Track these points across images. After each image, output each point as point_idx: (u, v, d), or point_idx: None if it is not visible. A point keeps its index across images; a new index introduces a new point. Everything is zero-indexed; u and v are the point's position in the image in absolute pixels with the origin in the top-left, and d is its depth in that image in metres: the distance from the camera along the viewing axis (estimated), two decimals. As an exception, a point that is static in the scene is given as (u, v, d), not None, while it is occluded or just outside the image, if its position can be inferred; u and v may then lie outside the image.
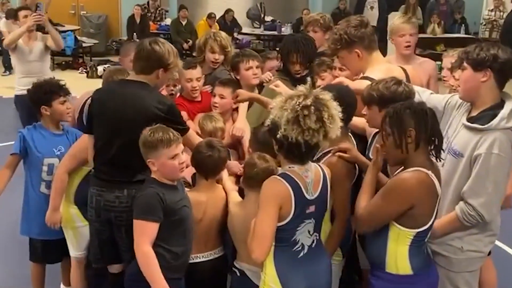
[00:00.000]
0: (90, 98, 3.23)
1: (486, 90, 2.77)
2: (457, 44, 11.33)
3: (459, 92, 2.92)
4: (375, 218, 2.64)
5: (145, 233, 2.79)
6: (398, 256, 2.65)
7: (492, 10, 13.64)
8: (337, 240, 3.00)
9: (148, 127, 2.85)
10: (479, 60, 2.73)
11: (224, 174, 3.21)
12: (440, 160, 2.70)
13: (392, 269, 2.67)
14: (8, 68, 12.18)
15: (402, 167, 2.67)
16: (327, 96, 2.59)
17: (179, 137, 2.88)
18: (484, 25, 13.84)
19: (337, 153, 2.92)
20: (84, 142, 3.33)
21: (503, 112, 2.71)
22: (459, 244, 2.87)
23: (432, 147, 2.63)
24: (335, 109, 2.57)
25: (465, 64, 2.80)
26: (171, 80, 3.74)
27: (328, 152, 2.96)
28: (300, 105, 2.51)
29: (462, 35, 13.43)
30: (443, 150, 2.68)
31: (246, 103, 3.84)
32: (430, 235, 2.75)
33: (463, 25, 13.79)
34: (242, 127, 3.70)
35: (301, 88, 2.62)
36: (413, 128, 2.58)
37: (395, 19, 4.66)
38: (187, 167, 3.03)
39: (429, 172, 2.58)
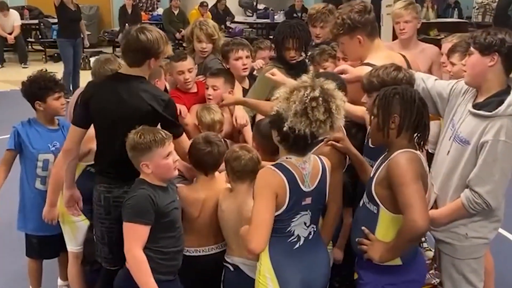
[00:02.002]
0: (82, 92, 3.16)
1: (493, 75, 2.73)
2: (450, 28, 11.32)
3: (465, 77, 2.86)
4: (423, 201, 2.50)
5: (136, 236, 2.72)
6: None
7: (485, -6, 13.62)
8: (331, 229, 2.97)
9: (133, 130, 2.77)
10: (486, 44, 2.69)
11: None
12: (423, 150, 2.65)
13: None
14: (0, 61, 12.12)
15: (386, 152, 2.64)
16: (332, 85, 2.53)
17: (169, 135, 2.82)
18: (477, 9, 13.81)
19: (330, 142, 2.87)
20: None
21: (510, 98, 2.68)
22: (463, 231, 2.84)
23: (417, 136, 2.60)
24: (341, 99, 2.53)
25: (472, 48, 2.76)
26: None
27: (319, 141, 2.89)
28: (309, 97, 2.45)
29: (455, 19, 13.39)
30: (425, 143, 2.64)
31: (240, 91, 3.79)
32: (435, 223, 2.72)
33: (456, 9, 13.76)
34: (242, 114, 3.64)
35: (305, 79, 2.57)
36: (398, 114, 2.56)
37: (395, 4, 4.63)
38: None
39: (417, 152, 2.57)
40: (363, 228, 2.64)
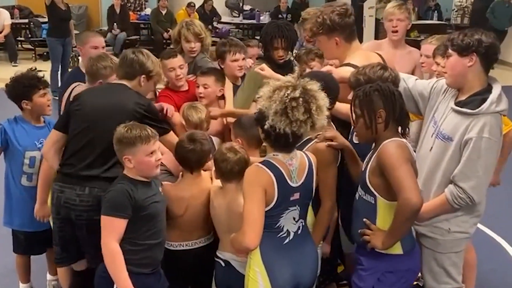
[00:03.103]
0: (71, 100, 3.16)
1: (473, 75, 2.75)
2: (431, 30, 11.36)
3: (446, 78, 2.89)
4: (414, 180, 2.53)
5: (113, 229, 2.70)
6: None
7: (464, -3, 13.72)
8: (325, 225, 2.97)
9: (123, 124, 2.77)
10: (464, 46, 2.72)
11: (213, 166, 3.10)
12: (406, 138, 2.68)
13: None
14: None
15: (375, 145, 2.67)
16: (315, 86, 2.54)
17: (156, 133, 2.81)
18: (456, 11, 13.91)
19: (326, 142, 2.86)
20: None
21: (492, 96, 2.70)
22: (446, 226, 2.87)
23: (401, 126, 2.63)
24: (323, 99, 2.53)
25: (450, 51, 2.79)
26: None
27: (310, 139, 2.90)
28: (289, 97, 2.46)
29: (435, 21, 13.47)
30: (407, 130, 2.67)
31: (231, 90, 3.78)
32: (419, 218, 2.72)
33: (436, 11, 13.84)
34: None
35: (289, 78, 2.57)
36: (383, 108, 2.59)
37: (388, 4, 4.65)
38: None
39: (404, 140, 2.61)
40: (364, 219, 2.66)
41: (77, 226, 2.99)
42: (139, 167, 2.76)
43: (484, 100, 2.69)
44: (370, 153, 2.70)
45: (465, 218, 2.86)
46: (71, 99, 3.28)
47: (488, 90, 2.74)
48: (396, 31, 4.33)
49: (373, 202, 2.63)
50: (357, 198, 2.75)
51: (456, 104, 2.79)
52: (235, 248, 2.65)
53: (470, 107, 2.72)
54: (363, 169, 2.73)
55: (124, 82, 3.08)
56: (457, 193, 2.74)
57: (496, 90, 2.73)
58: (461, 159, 2.73)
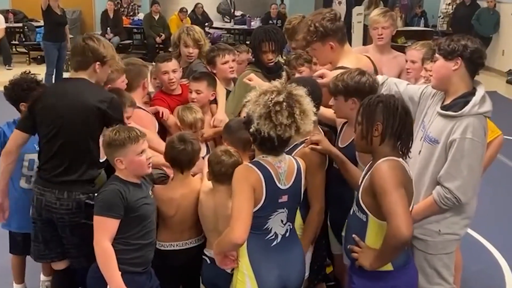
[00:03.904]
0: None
1: (457, 78, 2.78)
2: (417, 36, 11.43)
3: (432, 81, 2.92)
4: (408, 211, 2.45)
5: (105, 229, 2.71)
6: None
7: (449, 4, 13.83)
8: (314, 229, 2.97)
9: (110, 128, 2.78)
10: (449, 50, 2.75)
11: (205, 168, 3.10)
12: (406, 158, 2.62)
13: None
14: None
15: (371, 160, 2.60)
16: (300, 91, 2.54)
17: (144, 133, 2.84)
18: (442, 18, 14.00)
19: (310, 146, 2.87)
20: None
21: (475, 99, 2.73)
22: (436, 227, 2.87)
23: (400, 143, 2.55)
24: (308, 104, 2.53)
25: (436, 55, 2.83)
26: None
27: (298, 145, 2.91)
28: (272, 101, 2.47)
29: (421, 28, 13.55)
30: (408, 150, 2.60)
31: (224, 94, 3.79)
32: None
33: (422, 18, 13.92)
34: (222, 118, 3.64)
35: (276, 83, 2.58)
36: (381, 122, 2.52)
37: (373, 12, 4.68)
38: None
39: (400, 159, 2.52)
40: (353, 236, 2.61)
41: (60, 227, 3.00)
42: (131, 167, 2.78)
43: (467, 103, 2.72)
44: (366, 168, 2.63)
45: (454, 220, 2.87)
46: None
47: (472, 93, 2.77)
48: (382, 38, 4.37)
49: (364, 220, 2.57)
50: (351, 213, 2.70)
51: (442, 108, 2.82)
52: (223, 248, 2.60)
53: (454, 109, 2.74)
54: (359, 183, 2.64)
55: (80, 73, 3.02)
56: (443, 194, 2.75)
57: (479, 92, 2.76)
58: (447, 160, 2.74)
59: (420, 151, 2.86)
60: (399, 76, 4.24)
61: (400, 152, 2.56)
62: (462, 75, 2.77)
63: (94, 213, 2.74)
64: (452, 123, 2.73)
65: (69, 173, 2.95)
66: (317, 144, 2.88)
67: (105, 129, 2.78)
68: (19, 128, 3.10)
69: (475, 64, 2.77)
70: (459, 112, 2.72)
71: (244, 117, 2.69)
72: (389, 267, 2.55)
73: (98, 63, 3.01)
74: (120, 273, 2.72)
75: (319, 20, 3.36)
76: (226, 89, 3.89)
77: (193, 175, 3.12)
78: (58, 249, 3.11)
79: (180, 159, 3.00)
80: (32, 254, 3.27)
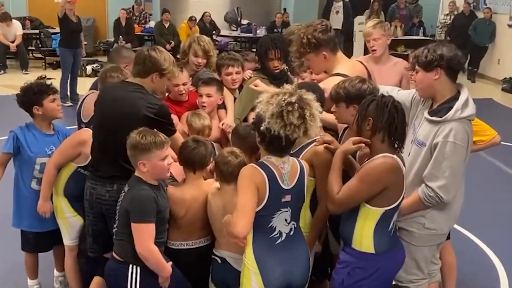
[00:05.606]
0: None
1: (440, 86, 2.87)
2: (416, 45, 11.35)
3: (417, 91, 3.02)
4: (352, 200, 2.66)
5: (149, 234, 2.76)
6: (363, 234, 2.69)
7: (447, 15, 13.80)
8: (321, 225, 3.00)
9: (135, 130, 2.79)
10: (427, 62, 2.83)
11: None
12: (401, 152, 2.75)
13: (356, 246, 2.71)
14: (3, 67, 11.95)
15: (369, 156, 2.71)
16: (310, 96, 2.61)
17: (168, 139, 2.85)
18: (440, 28, 13.99)
19: (325, 145, 2.91)
20: (71, 140, 3.35)
21: (457, 104, 2.81)
22: (422, 221, 2.96)
23: (394, 138, 2.65)
24: (317, 109, 2.59)
25: (417, 67, 2.90)
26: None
27: (305, 146, 2.93)
28: (285, 101, 2.52)
29: (420, 37, 13.55)
30: (403, 144, 2.72)
31: (232, 101, 3.79)
32: (398, 214, 2.78)
33: (421, 28, 13.92)
34: (230, 123, 3.64)
35: (287, 87, 2.63)
36: (372, 117, 2.63)
37: (367, 24, 4.67)
38: None
39: (394, 156, 2.64)
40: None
41: (108, 219, 3.06)
42: (153, 171, 2.79)
43: (450, 108, 2.81)
44: (366, 161, 2.74)
45: (437, 215, 2.94)
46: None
47: (455, 97, 2.85)
48: (375, 50, 4.38)
49: (357, 205, 2.69)
50: None
51: (429, 113, 2.91)
52: (227, 230, 2.62)
53: (439, 115, 2.83)
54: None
55: (138, 80, 3.05)
56: (427, 192, 2.84)
57: (462, 97, 2.84)
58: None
59: (409, 153, 2.95)
60: (400, 82, 4.25)
61: (396, 146, 2.67)
62: (444, 82, 2.86)
63: (134, 220, 2.74)
64: (437, 128, 2.82)
65: (117, 171, 3.00)
66: (330, 144, 2.91)
67: (134, 132, 2.78)
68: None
69: (454, 70, 2.86)
70: (443, 117, 2.81)
71: (253, 118, 2.70)
72: (371, 249, 2.68)
73: (156, 73, 3.03)
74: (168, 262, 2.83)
75: (311, 32, 3.40)
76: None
77: (205, 179, 3.12)
78: (106, 243, 3.11)
79: (193, 159, 3.00)
80: (82, 247, 3.39)
